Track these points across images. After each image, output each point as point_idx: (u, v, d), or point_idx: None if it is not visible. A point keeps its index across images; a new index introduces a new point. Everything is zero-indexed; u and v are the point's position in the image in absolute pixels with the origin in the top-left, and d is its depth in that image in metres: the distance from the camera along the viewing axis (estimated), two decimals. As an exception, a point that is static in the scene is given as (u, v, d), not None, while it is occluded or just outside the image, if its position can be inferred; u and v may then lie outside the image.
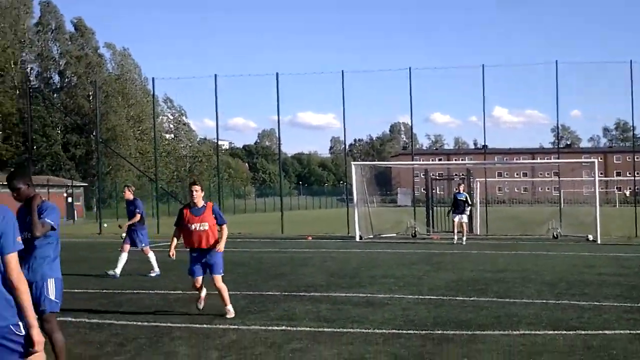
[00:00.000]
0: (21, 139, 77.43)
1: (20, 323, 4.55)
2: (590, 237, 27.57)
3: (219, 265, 10.87)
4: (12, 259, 4.53)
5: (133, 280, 15.80)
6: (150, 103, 60.85)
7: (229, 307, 10.85)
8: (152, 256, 16.86)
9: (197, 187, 10.89)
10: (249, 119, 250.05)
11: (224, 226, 11.01)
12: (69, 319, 10.62)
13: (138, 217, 16.85)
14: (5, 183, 7.42)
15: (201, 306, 11.22)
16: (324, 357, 8.11)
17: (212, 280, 10.84)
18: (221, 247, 10.79)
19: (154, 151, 48.16)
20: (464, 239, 26.32)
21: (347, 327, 9.93)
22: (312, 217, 56.93)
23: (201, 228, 10.70)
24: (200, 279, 10.95)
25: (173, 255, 10.97)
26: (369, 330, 9.63)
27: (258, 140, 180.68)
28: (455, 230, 26.67)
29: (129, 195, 17.08)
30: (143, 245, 17.09)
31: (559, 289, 13.51)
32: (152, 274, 16.51)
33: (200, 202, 10.86)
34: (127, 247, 17.00)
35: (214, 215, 10.81)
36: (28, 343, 4.57)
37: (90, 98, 79.94)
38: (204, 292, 11.28)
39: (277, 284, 14.79)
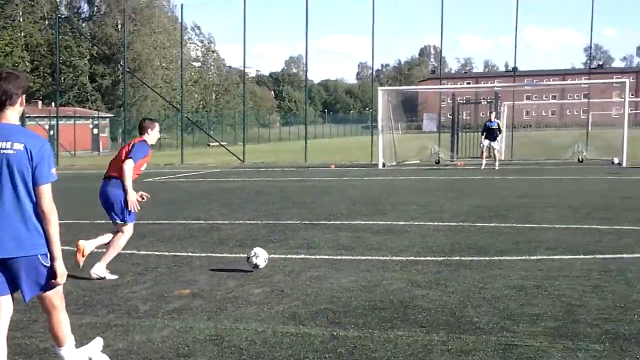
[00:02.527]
0: (48, 69, 77.64)
1: (48, 254, 4.70)
2: (616, 160, 27.33)
3: None
4: (46, 189, 4.63)
5: (157, 210, 15.94)
6: (178, 31, 60.41)
7: None
8: None
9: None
10: (275, 45, 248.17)
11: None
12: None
13: None
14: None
15: None
16: (342, 284, 8.18)
17: None
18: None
19: (180, 80, 47.99)
20: (497, 164, 26.33)
21: (365, 254, 10.00)
22: (336, 145, 56.93)
23: None
24: None
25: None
26: (387, 258, 9.68)
27: (285, 67, 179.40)
28: (484, 156, 26.66)
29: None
30: None
31: (580, 214, 13.46)
32: None
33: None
34: None
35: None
36: (51, 274, 4.73)
37: (119, 27, 79.54)
38: None
39: (298, 212, 14.87)
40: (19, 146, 4.55)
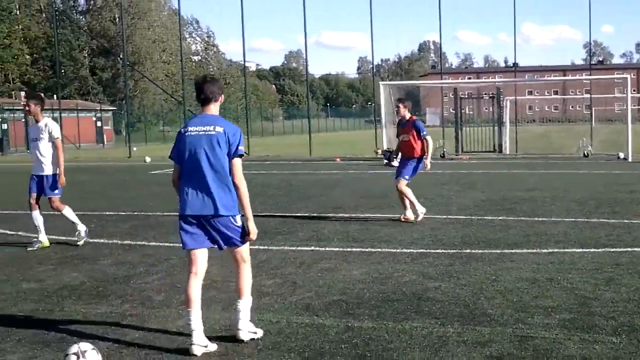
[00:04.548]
0: (49, 63, 77.60)
1: (238, 216, 5.78)
2: (622, 155, 27.32)
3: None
4: (238, 163, 5.85)
5: (165, 202, 15.95)
6: (177, 24, 60.40)
7: None
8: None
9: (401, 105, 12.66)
10: (275, 40, 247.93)
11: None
12: (102, 240, 10.82)
13: None
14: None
15: None
16: (353, 276, 8.19)
17: None
18: None
19: (180, 73, 47.96)
20: None
21: (375, 247, 10.00)
22: (340, 139, 56.89)
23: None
24: None
25: None
26: (397, 250, 9.69)
27: (285, 62, 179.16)
28: None
29: None
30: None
31: (588, 207, 13.45)
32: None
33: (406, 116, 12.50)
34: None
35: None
36: (244, 232, 5.82)
37: (116, 20, 79.48)
38: None
39: (305, 205, 14.87)
40: (220, 129, 5.79)
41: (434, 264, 8.77)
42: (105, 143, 60.67)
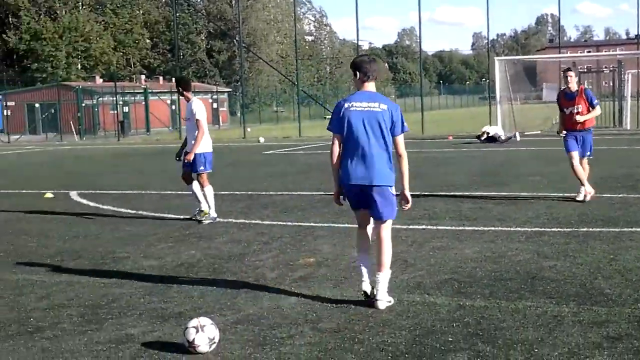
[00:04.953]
0: (167, 46, 79.84)
1: (393, 188, 6.27)
2: None
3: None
4: (401, 139, 6.29)
5: (278, 182, 16.21)
6: (291, 5, 60.88)
7: None
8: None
9: (572, 73, 11.81)
10: (387, 18, 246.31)
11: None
12: (218, 219, 11.09)
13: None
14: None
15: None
16: (466, 255, 8.12)
17: None
18: None
19: (294, 54, 48.39)
20: None
21: (488, 225, 9.86)
22: (452, 117, 56.15)
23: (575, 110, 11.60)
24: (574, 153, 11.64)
25: None
26: (511, 229, 9.53)
27: (397, 40, 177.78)
28: None
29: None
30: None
31: None
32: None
33: (574, 87, 11.75)
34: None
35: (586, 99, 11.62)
36: (402, 200, 6.38)
37: (232, 3, 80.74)
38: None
39: (417, 183, 14.75)
40: (384, 107, 6.21)
41: (549, 242, 8.58)
42: (221, 124, 61.93)
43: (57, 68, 68.45)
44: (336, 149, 6.32)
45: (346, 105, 6.26)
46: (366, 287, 6.28)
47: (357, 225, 6.55)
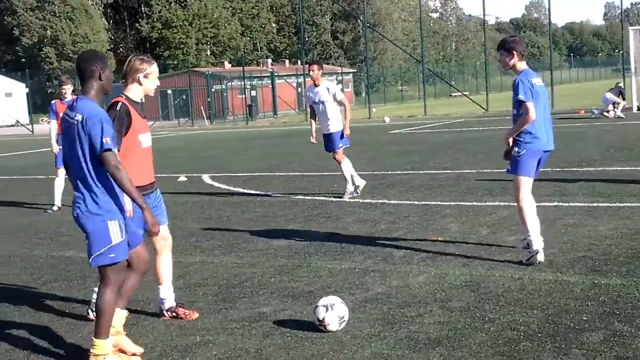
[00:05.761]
0: (293, 29, 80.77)
1: None
2: None
3: None
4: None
5: (404, 161, 16.13)
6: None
7: None
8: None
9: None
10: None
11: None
12: (345, 199, 11.18)
13: None
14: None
15: None
16: (600, 232, 7.87)
17: None
18: None
19: (419, 32, 47.93)
20: None
21: (624, 201, 9.51)
22: (584, 90, 54.24)
23: None
24: None
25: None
26: (649, 205, 9.16)
27: (525, 13, 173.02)
28: None
29: None
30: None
31: None
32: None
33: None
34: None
35: None
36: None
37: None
38: None
39: (549, 160, 14.37)
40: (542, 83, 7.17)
41: (690, 218, 8.20)
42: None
43: (187, 55, 70.58)
44: (533, 117, 6.97)
45: (530, 83, 6.91)
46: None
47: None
